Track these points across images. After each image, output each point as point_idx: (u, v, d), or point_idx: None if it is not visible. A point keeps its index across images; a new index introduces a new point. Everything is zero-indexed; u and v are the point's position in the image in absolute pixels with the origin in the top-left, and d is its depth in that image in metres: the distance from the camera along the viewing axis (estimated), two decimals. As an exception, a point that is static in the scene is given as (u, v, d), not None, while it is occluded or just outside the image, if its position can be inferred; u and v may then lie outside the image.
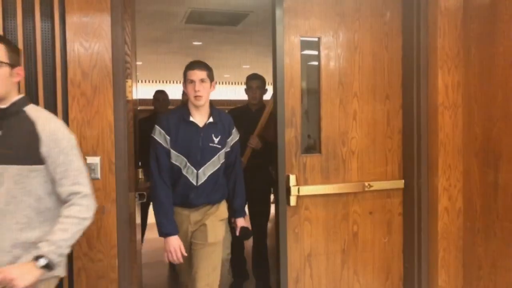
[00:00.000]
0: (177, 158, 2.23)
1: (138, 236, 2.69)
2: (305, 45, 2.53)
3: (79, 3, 1.99)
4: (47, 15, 1.97)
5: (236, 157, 2.41)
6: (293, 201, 2.45)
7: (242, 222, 2.45)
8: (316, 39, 2.55)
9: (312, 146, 2.60)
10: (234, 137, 2.39)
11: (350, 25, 2.58)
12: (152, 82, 14.53)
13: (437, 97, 2.50)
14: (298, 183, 2.47)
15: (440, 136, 2.50)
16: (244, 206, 2.49)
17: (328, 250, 2.57)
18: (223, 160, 2.33)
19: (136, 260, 2.36)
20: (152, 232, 3.99)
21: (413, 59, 2.59)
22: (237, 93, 10.02)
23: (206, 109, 2.30)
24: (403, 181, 2.68)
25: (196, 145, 2.24)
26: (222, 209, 2.38)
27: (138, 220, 2.70)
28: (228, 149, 2.35)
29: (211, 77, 2.27)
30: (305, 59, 2.55)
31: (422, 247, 2.59)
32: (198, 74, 2.21)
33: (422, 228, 2.58)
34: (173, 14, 4.77)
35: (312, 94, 2.59)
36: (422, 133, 2.57)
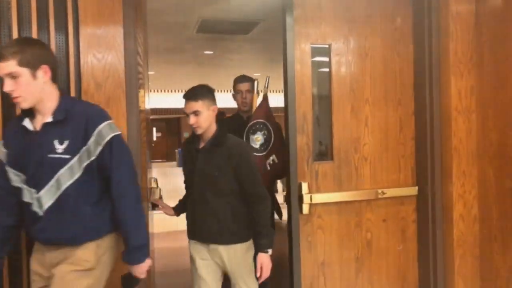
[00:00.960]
0: (15, 178, 1.65)
1: (152, 245, 2.70)
2: (316, 52, 2.53)
3: (92, 16, 2.02)
4: (61, 28, 2.01)
5: (117, 168, 1.67)
6: (305, 209, 2.44)
7: (132, 268, 1.73)
8: (326, 46, 2.55)
9: (324, 153, 2.59)
10: (101, 137, 1.64)
11: (360, 32, 2.58)
12: (165, 91, 14.70)
13: (450, 103, 2.47)
14: (310, 191, 2.46)
15: (454, 142, 2.47)
16: (139, 245, 1.71)
17: (342, 259, 2.55)
18: (79, 175, 1.62)
19: (150, 269, 2.36)
20: (165, 241, 4.02)
21: (425, 65, 2.57)
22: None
23: (48, 106, 1.62)
24: (416, 187, 2.64)
25: (33, 158, 1.61)
26: (84, 254, 1.65)
27: (151, 229, 2.71)
28: (93, 157, 1.63)
29: (32, 64, 1.56)
30: (316, 66, 2.55)
31: (437, 255, 2.55)
32: (1, 68, 1.54)
33: (437, 235, 2.54)
34: (184, 24, 4.83)
35: (323, 101, 2.58)
36: (435, 139, 2.54)
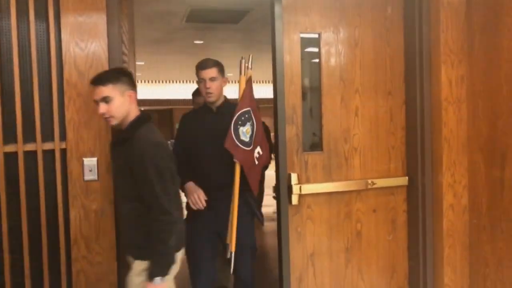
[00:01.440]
0: None
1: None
2: (305, 41, 2.49)
3: (73, 3, 1.96)
4: (42, 15, 1.95)
5: None
6: (295, 199, 2.42)
7: None
8: (316, 35, 2.51)
9: (317, 144, 2.56)
10: None
11: (350, 21, 2.54)
12: (156, 82, 14.56)
13: (441, 92, 2.45)
14: (299, 182, 2.43)
15: (444, 132, 2.46)
16: None
17: (332, 249, 2.54)
18: None
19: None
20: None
21: (416, 54, 2.54)
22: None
23: None
24: (407, 178, 2.63)
25: None
26: None
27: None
28: None
29: None
30: (305, 55, 2.51)
31: (427, 244, 2.54)
32: None
33: (427, 225, 2.54)
34: (173, 13, 4.76)
35: (313, 91, 2.55)
36: (425, 129, 2.52)
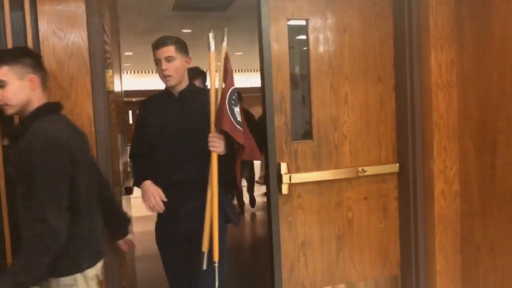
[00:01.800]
0: None
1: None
2: (292, 28, 2.44)
3: (50, -10, 1.89)
4: (17, 5, 1.88)
5: None
6: (285, 189, 2.38)
7: None
8: (303, 22, 2.45)
9: (308, 132, 2.52)
10: None
11: (338, 6, 2.48)
12: (145, 72, 14.40)
13: (431, 77, 2.42)
14: (289, 171, 2.40)
15: (434, 118, 2.43)
16: None
17: (323, 238, 2.52)
18: None
19: (125, 255, 2.30)
20: (144, 225, 3.95)
21: (405, 39, 2.50)
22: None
23: None
24: (397, 164, 2.61)
25: None
26: None
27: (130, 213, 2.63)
28: None
29: None
30: (295, 43, 2.46)
31: (419, 231, 2.53)
32: None
33: (419, 212, 2.52)
34: (159, 1, 4.66)
35: (303, 79, 2.51)
36: (416, 115, 2.50)
